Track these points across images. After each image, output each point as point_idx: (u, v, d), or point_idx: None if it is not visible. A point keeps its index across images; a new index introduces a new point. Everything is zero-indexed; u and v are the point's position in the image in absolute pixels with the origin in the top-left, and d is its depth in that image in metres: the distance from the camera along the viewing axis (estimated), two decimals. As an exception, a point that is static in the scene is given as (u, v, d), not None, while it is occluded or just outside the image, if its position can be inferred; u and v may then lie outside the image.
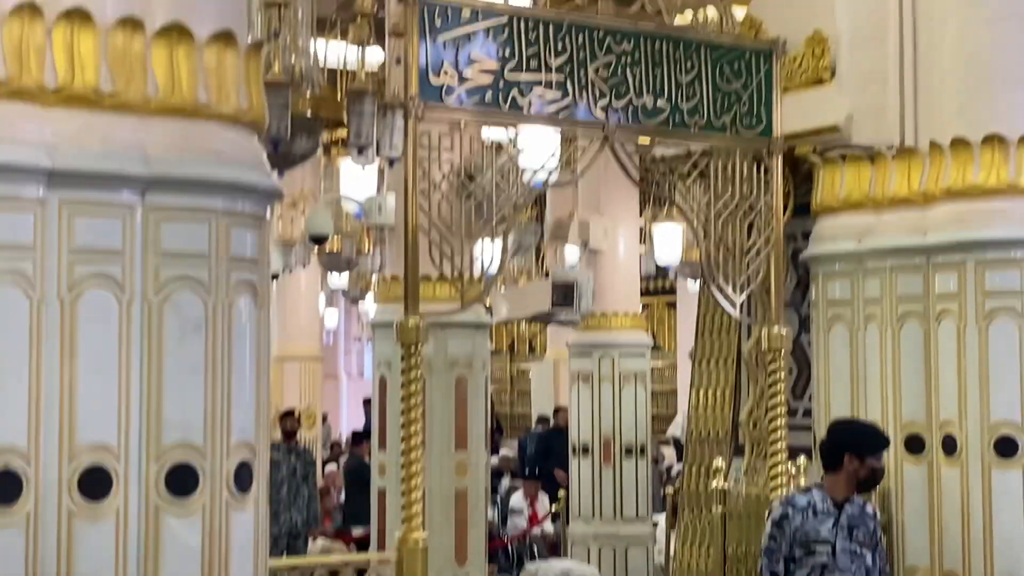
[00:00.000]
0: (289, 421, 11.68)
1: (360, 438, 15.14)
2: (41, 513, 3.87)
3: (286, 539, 10.91)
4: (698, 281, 12.42)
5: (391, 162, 8.57)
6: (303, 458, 11.37)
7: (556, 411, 18.03)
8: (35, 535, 3.86)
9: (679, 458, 14.60)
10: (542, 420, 19.34)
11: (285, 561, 7.38)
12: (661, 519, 13.80)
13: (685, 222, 13.06)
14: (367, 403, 23.21)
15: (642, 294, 14.87)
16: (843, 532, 5.53)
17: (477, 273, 6.17)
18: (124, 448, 3.99)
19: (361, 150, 8.15)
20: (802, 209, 7.14)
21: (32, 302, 3.89)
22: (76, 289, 3.96)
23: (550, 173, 6.17)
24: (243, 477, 4.21)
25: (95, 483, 3.93)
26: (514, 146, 6.08)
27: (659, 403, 19.42)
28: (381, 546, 9.07)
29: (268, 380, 4.51)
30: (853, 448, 5.57)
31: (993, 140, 6.12)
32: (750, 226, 6.54)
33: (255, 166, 4.33)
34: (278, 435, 12.06)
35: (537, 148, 6.14)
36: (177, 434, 4.07)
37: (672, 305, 22.08)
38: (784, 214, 6.70)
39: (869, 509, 5.70)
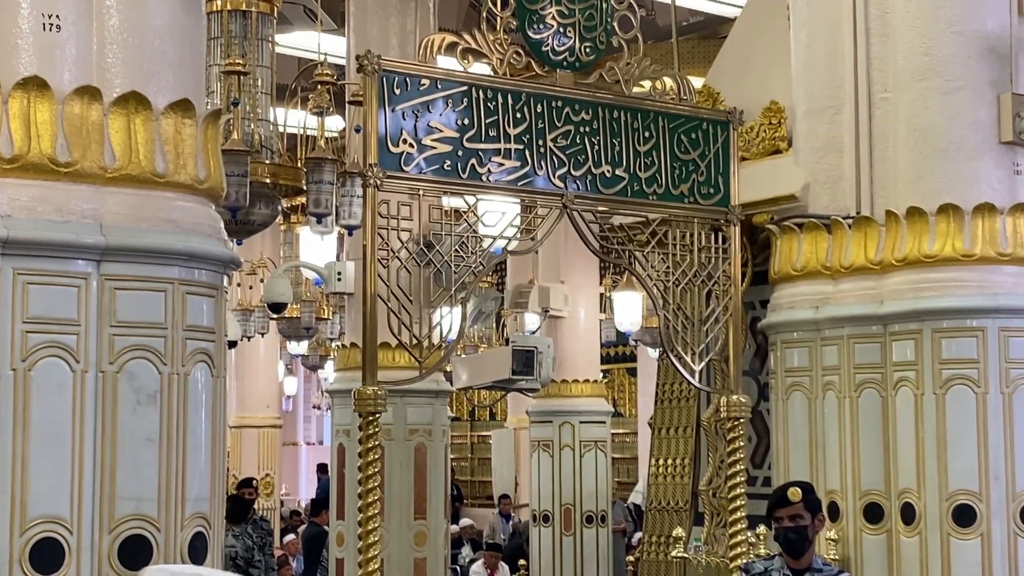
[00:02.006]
0: (244, 492, 11.55)
1: (319, 506, 15.01)
2: (-10, 587, 3.82)
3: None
4: (657, 349, 12.45)
5: (350, 230, 8.58)
6: (259, 528, 11.25)
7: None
8: (-16, 609, 3.80)
9: (638, 526, 14.53)
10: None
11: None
12: (623, 588, 13.74)
13: (644, 290, 13.13)
14: (321, 469, 23.06)
15: (602, 361, 14.88)
16: None
17: (437, 340, 6.15)
18: (77, 520, 3.95)
19: (320, 218, 8.16)
20: (760, 277, 7.18)
21: (-16, 372, 3.86)
22: (30, 359, 3.93)
23: (509, 241, 6.18)
24: (198, 548, 4.17)
25: (47, 555, 3.88)
26: (473, 214, 6.08)
27: (620, 470, 19.37)
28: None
29: (224, 449, 4.48)
30: (766, 515, 5.54)
31: (947, 210, 6.19)
32: (708, 294, 6.56)
33: (212, 235, 4.32)
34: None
35: (496, 216, 6.14)
36: (131, 505, 4.04)
37: (632, 372, 22.09)
38: (742, 283, 6.73)
39: None
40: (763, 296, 7.15)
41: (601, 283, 14.98)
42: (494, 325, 16.84)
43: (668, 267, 6.44)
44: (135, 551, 4.02)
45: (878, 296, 6.41)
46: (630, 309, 14.27)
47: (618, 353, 21.16)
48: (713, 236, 6.53)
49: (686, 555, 6.87)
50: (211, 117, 4.36)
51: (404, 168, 5.72)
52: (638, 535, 14.46)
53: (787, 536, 5.35)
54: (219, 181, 4.38)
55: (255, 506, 11.99)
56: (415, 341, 5.95)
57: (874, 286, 6.43)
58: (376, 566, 5.57)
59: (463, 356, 13.56)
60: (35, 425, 3.90)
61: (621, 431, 20.20)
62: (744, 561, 5.97)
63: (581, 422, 13.56)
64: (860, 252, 6.47)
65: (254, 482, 13.31)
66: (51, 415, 3.93)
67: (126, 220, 4.08)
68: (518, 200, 6.50)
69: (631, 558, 13.36)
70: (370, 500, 5.60)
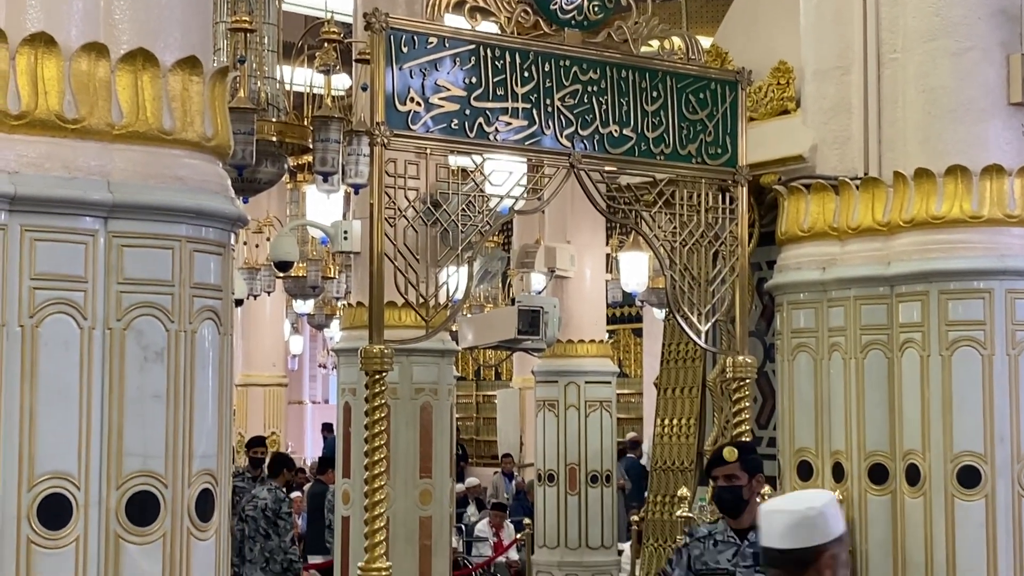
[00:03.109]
0: (257, 451, 11.60)
1: (325, 465, 15.07)
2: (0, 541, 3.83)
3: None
4: (664, 310, 12.45)
5: (356, 189, 8.57)
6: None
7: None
8: (-8, 564, 3.82)
9: (644, 487, 14.58)
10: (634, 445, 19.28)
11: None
12: (626, 547, 13.80)
13: (651, 251, 13.12)
14: (326, 428, 23.12)
15: (608, 322, 14.91)
16: (745, 560, 5.40)
17: (443, 299, 6.16)
18: (84, 476, 3.95)
19: (326, 177, 8.16)
20: (767, 238, 7.17)
21: (-8, 328, 3.87)
22: (37, 315, 3.93)
23: (516, 200, 6.17)
24: (205, 505, 4.18)
25: (54, 511, 3.89)
26: (480, 173, 6.08)
27: (625, 431, 19.43)
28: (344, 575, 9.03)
29: (231, 407, 4.49)
30: (704, 474, 5.65)
31: (956, 171, 6.17)
32: (715, 255, 6.56)
33: (219, 192, 4.31)
34: (244, 462, 12.00)
35: (503, 175, 6.14)
36: (138, 462, 4.04)
37: (638, 333, 22.12)
38: (749, 243, 6.72)
39: None
40: (770, 257, 7.14)
41: (607, 243, 14.97)
42: (500, 285, 16.88)
43: (675, 227, 6.44)
44: (142, 507, 4.03)
45: (885, 257, 6.39)
46: (636, 270, 14.28)
47: (624, 314, 21.20)
48: (720, 196, 6.52)
49: (691, 515, 6.90)
50: (218, 74, 4.34)
51: (411, 127, 5.71)
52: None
53: (721, 495, 5.41)
54: (226, 139, 4.37)
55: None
56: (421, 300, 5.96)
57: (881, 247, 6.42)
58: (382, 524, 5.60)
59: (469, 316, 13.58)
60: (42, 381, 3.91)
61: (626, 392, 20.25)
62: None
63: (586, 382, 13.59)
64: (867, 213, 6.46)
65: (266, 441, 13.33)
66: (58, 372, 3.94)
67: (133, 177, 4.07)
68: (525, 159, 6.50)
69: (635, 517, 13.43)
70: (376, 458, 5.63)
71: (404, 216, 5.84)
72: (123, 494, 4.01)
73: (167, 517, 4.08)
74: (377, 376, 5.67)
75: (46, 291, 3.94)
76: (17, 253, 3.91)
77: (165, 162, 4.16)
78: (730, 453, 5.42)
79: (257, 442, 11.85)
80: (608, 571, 13.17)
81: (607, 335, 14.34)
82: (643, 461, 17.83)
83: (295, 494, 16.92)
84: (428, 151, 5.82)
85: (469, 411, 24.60)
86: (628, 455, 18.50)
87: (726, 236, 6.51)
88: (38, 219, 3.94)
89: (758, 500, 5.48)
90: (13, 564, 3.84)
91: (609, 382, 13.81)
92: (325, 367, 28.84)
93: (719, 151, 6.42)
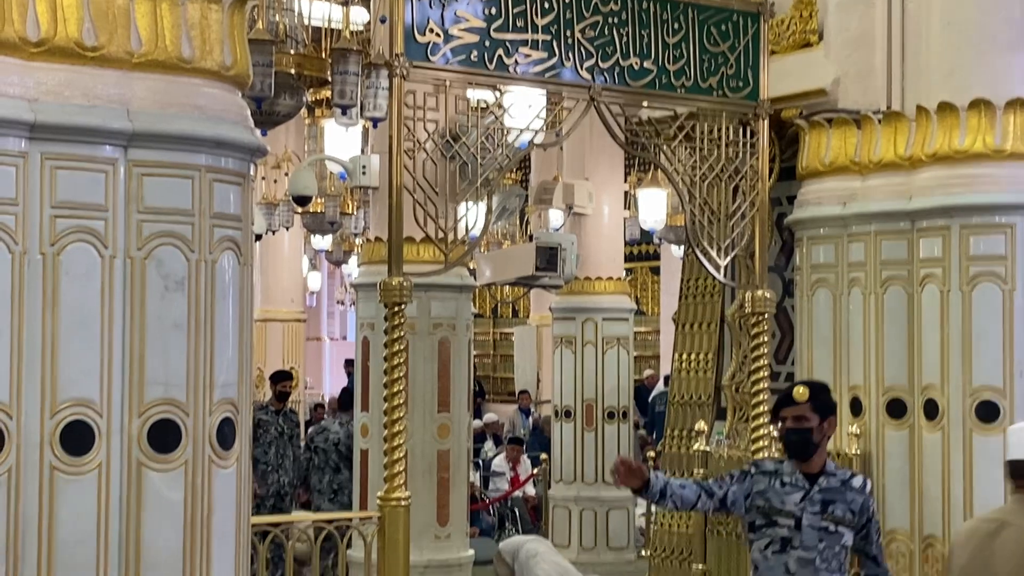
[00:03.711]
0: (286, 384, 11.65)
1: (349, 396, 15.14)
2: (23, 467, 3.86)
3: (273, 499, 10.95)
4: (682, 247, 12.43)
5: (375, 123, 8.54)
6: (289, 419, 11.39)
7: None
8: (16, 489, 3.85)
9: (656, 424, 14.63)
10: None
11: (268, 518, 7.39)
12: (642, 483, 13.85)
13: (670, 187, 13.07)
14: (349, 364, 23.21)
15: (626, 259, 14.88)
16: (813, 507, 5.05)
17: (461, 234, 6.15)
18: (106, 403, 3.98)
19: (345, 110, 8.13)
20: (787, 173, 7.14)
21: (14, 256, 3.87)
22: (58, 244, 3.94)
23: (535, 134, 6.15)
24: (226, 434, 4.21)
25: (77, 438, 3.92)
26: (500, 106, 6.05)
27: (641, 368, 19.46)
28: (363, 507, 9.09)
29: (251, 338, 4.50)
30: (772, 414, 5.28)
31: (979, 105, 6.12)
32: (735, 189, 6.54)
33: (239, 122, 4.30)
34: (266, 396, 12.06)
35: (523, 108, 6.11)
36: (159, 390, 4.06)
37: (656, 271, 22.11)
38: (769, 178, 6.69)
39: (856, 482, 5.16)
40: (790, 192, 7.12)
41: (626, 180, 14.92)
42: (518, 222, 16.85)
43: (695, 161, 6.42)
44: (164, 435, 4.06)
45: (907, 192, 6.36)
46: (655, 207, 14.24)
47: (642, 252, 21.17)
48: (741, 130, 6.49)
49: (708, 448, 6.91)
50: (237, 3, 4.32)
51: (430, 58, 5.69)
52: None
53: (789, 437, 5.06)
54: (245, 68, 4.35)
55: (290, 400, 12.14)
56: (440, 234, 5.96)
57: (903, 182, 6.38)
58: (401, 455, 5.63)
59: (487, 253, 13.58)
60: (64, 309, 3.92)
61: (643, 329, 20.26)
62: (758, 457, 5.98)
63: (604, 319, 13.57)
64: (890, 147, 6.42)
65: (292, 375, 13.36)
66: (80, 300, 3.95)
67: (152, 105, 4.06)
68: (544, 92, 6.46)
69: (651, 453, 13.48)
70: (395, 390, 5.65)
71: (424, 149, 5.83)
72: (145, 422, 4.03)
73: (189, 445, 4.10)
74: (396, 308, 5.68)
75: (67, 219, 3.95)
76: (38, 181, 3.91)
77: (184, 91, 4.14)
78: (800, 393, 5.04)
79: (284, 376, 11.88)
80: (624, 506, 13.23)
81: (625, 272, 14.32)
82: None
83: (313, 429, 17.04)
84: (447, 83, 5.80)
85: (486, 348, 24.67)
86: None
87: (746, 170, 6.48)
88: (58, 147, 3.94)
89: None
90: (36, 490, 3.87)
91: (626, 319, 13.80)
92: (343, 304, 28.92)
93: (740, 84, 6.37)
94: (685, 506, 5.15)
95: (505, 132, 6.15)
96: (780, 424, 5.11)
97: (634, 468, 5.01)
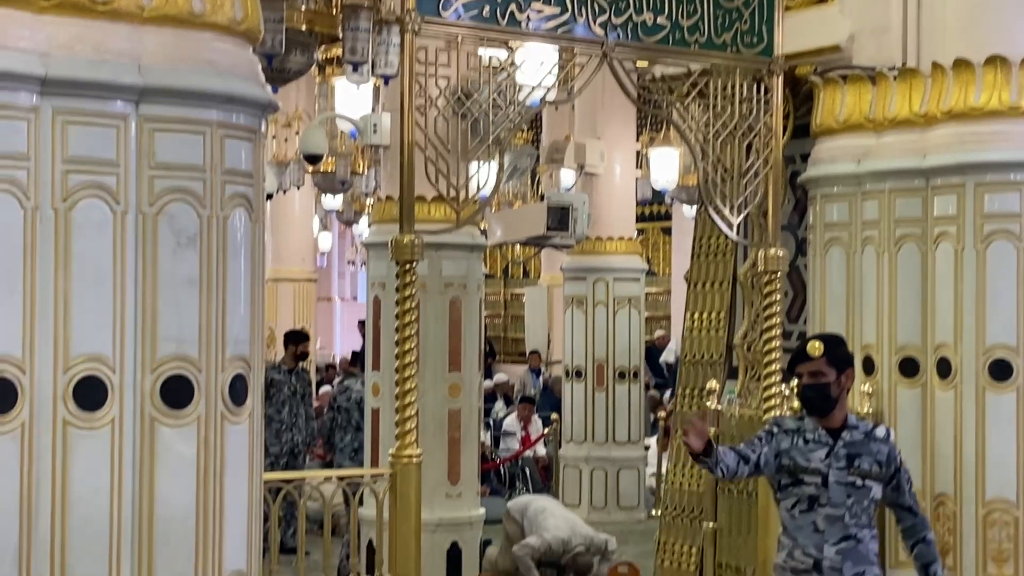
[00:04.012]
0: (305, 346, 11.63)
1: (357, 360, 15.18)
2: (36, 422, 3.87)
3: (286, 458, 10.99)
4: (694, 207, 12.39)
5: (386, 80, 8.50)
6: (302, 379, 11.41)
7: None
8: (30, 444, 3.85)
9: (672, 383, 14.64)
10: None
11: (281, 475, 7.40)
12: (653, 442, 13.89)
13: (682, 146, 13.02)
14: (362, 325, 23.22)
15: (638, 220, 14.83)
16: (839, 462, 4.98)
17: (472, 193, 6.12)
18: (119, 359, 3.98)
19: (356, 67, 8.08)
20: (801, 130, 7.10)
21: (26, 211, 3.87)
22: (70, 199, 3.93)
23: (547, 91, 6.11)
24: (238, 390, 4.21)
25: (90, 393, 3.92)
26: (511, 63, 6.01)
27: (652, 329, 19.46)
28: (375, 465, 9.10)
29: (263, 295, 4.49)
30: (787, 370, 5.18)
31: (995, 61, 6.07)
32: (748, 147, 6.50)
33: (250, 77, 4.28)
34: (278, 356, 12.07)
35: (534, 65, 6.07)
36: (172, 346, 4.06)
37: (667, 231, 22.06)
38: (783, 135, 6.66)
39: (880, 432, 5.09)
40: (804, 150, 7.08)
41: (638, 140, 14.85)
42: (529, 181, 16.80)
43: (708, 118, 6.38)
44: (177, 391, 4.06)
45: (921, 149, 6.33)
46: (667, 166, 14.18)
47: (653, 212, 21.12)
48: (755, 87, 6.44)
49: (719, 407, 6.91)
50: (248, -43, 4.29)
51: (442, 14, 5.65)
52: (668, 393, 14.60)
53: (806, 394, 4.99)
54: (256, 22, 4.32)
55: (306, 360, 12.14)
56: (452, 192, 5.94)
57: (918, 139, 6.35)
58: (412, 412, 5.63)
59: (498, 212, 13.54)
60: (76, 265, 3.92)
61: (654, 290, 20.24)
62: (776, 415, 5.95)
63: (615, 279, 13.56)
64: (904, 104, 6.38)
65: (308, 336, 13.34)
66: (92, 255, 3.94)
67: (164, 60, 4.04)
68: (557, 48, 6.42)
69: (662, 413, 13.48)
70: (407, 348, 5.65)
71: (435, 105, 5.80)
72: (157, 378, 4.03)
73: (201, 401, 4.10)
74: (408, 266, 5.67)
75: (79, 175, 3.93)
76: (49, 136, 3.89)
77: (195, 45, 4.12)
78: (814, 347, 4.93)
79: (302, 337, 11.87)
80: (635, 465, 13.26)
81: (636, 233, 14.28)
82: (671, 359, 17.88)
83: (324, 389, 17.08)
84: (459, 39, 5.76)
85: (497, 309, 24.67)
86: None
87: (760, 128, 6.44)
88: (69, 102, 3.92)
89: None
90: (50, 444, 3.88)
91: (638, 279, 13.78)
92: (354, 264, 28.91)
93: (755, 40, 6.33)
94: (729, 474, 5.06)
95: (517, 89, 6.11)
96: (796, 381, 5.06)
97: (702, 431, 4.96)
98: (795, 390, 5.09)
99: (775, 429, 5.11)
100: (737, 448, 5.08)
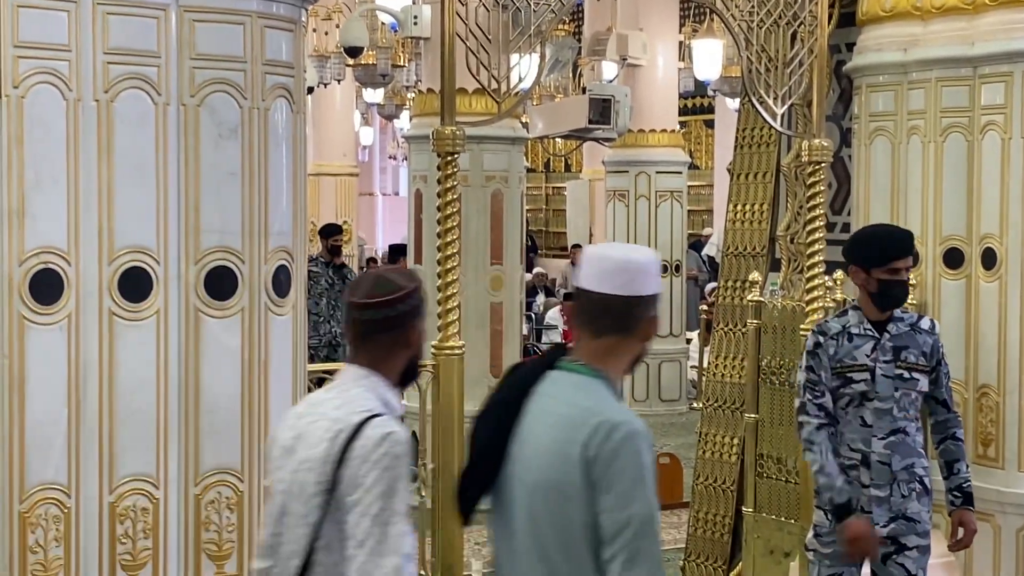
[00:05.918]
0: (337, 239, 11.63)
1: (397, 253, 15.22)
2: (82, 313, 3.91)
3: (326, 350, 11.07)
4: (736, 99, 12.26)
5: (427, -30, 8.42)
6: (340, 273, 11.46)
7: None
8: (76, 335, 3.90)
9: (713, 277, 14.62)
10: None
11: (322, 366, 7.46)
12: (695, 336, 13.91)
13: (725, 37, 12.85)
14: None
15: (680, 113, 14.72)
16: (885, 355, 4.94)
17: (514, 85, 6.07)
18: (163, 250, 4.01)
19: (396, -42, 8.00)
20: (847, 19, 6.98)
21: (69, 103, 3.88)
22: (112, 90, 3.93)
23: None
24: (281, 281, 4.24)
25: (134, 284, 3.96)
26: (553, -49, 5.92)
27: (695, 223, 19.39)
28: (417, 357, 9.18)
29: (305, 187, 4.50)
30: (855, 259, 5.00)
31: (1048, -55, 5.94)
32: (793, 36, 6.40)
33: (289, -33, 4.25)
34: (315, 250, 12.11)
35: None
36: (215, 238, 4.09)
37: (710, 124, 21.89)
38: (829, 24, 6.54)
39: (925, 324, 5.08)
40: (849, 39, 6.96)
41: (681, 31, 14.68)
42: (571, 74, 16.66)
43: (752, 7, 6.28)
44: (220, 282, 4.09)
45: (969, 37, 6.21)
46: (710, 57, 14.02)
47: (696, 105, 20.93)
48: (800, -26, 6.32)
49: (762, 299, 6.88)
50: None
51: (484, -100, 5.56)
52: (711, 285, 14.58)
53: (894, 291, 4.93)
54: (295, -89, 4.29)
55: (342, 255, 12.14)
56: (493, 84, 5.89)
57: (966, 27, 6.23)
58: (455, 303, 5.65)
59: (540, 105, 13.46)
60: (119, 156, 3.93)
61: (697, 183, 20.14)
62: (818, 320, 5.86)
63: (657, 172, 13.51)
64: (953, -9, 6.25)
65: (343, 228, 13.36)
66: (134, 146, 3.95)
67: (202, -50, 4.02)
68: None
69: (704, 306, 13.47)
70: (449, 239, 5.64)
71: (476, -5, 5.73)
72: (201, 269, 4.07)
73: (245, 292, 4.14)
74: (449, 158, 5.65)
75: (120, 66, 3.94)
76: (90, 26, 3.89)
77: (234, -65, 4.09)
78: (914, 243, 4.99)
79: (335, 230, 11.89)
80: (676, 358, 13.31)
81: (679, 126, 14.18)
82: (712, 253, 17.84)
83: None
84: (500, -73, 5.67)
85: (538, 203, 24.63)
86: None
87: (805, 16, 6.34)
88: (109, -8, 3.91)
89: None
90: (96, 335, 3.92)
91: (680, 172, 13.72)
92: (395, 159, 28.90)
93: (800, -74, 6.20)
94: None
95: (559, -22, 6.02)
96: (887, 275, 4.90)
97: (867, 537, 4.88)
98: (879, 284, 4.89)
99: (820, 340, 5.03)
100: (824, 421, 4.98)
